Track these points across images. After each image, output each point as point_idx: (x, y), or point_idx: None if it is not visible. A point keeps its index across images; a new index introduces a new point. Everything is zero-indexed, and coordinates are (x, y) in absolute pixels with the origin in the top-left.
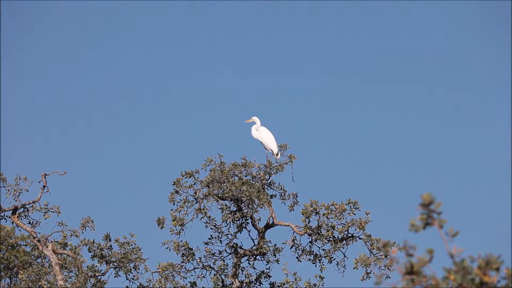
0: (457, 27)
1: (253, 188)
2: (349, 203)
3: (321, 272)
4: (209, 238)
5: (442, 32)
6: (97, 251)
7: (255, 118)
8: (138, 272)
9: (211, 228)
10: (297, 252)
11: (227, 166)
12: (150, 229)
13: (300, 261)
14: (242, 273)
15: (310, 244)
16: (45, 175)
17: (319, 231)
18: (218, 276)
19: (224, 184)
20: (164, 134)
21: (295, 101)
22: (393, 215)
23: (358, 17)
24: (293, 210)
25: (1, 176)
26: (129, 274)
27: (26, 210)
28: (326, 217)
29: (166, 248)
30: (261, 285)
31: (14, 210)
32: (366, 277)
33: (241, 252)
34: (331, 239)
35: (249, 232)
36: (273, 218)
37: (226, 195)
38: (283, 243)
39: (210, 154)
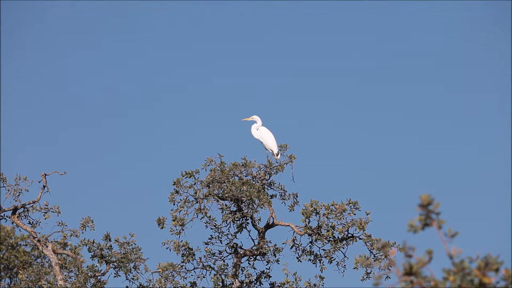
0: (457, 27)
1: (253, 188)
2: (349, 203)
3: (321, 272)
4: (209, 238)
5: (442, 32)
6: (97, 251)
7: (256, 117)
8: (138, 272)
9: (211, 228)
10: (297, 252)
11: (227, 166)
12: (150, 229)
13: (300, 261)
14: (242, 273)
15: (310, 244)
16: (45, 175)
17: (319, 231)
18: (218, 276)
19: (224, 184)
20: (164, 134)
21: (295, 101)
22: (393, 215)
23: (358, 17)
24: (293, 210)
25: (1, 176)
26: (129, 274)
27: (26, 210)
28: (326, 217)
29: (166, 248)
30: (261, 285)
31: (14, 210)
32: (366, 277)
33: (241, 252)
34: (331, 239)
35: (249, 232)
36: (273, 218)
37: (226, 195)
38: (283, 243)
39: (210, 154)
